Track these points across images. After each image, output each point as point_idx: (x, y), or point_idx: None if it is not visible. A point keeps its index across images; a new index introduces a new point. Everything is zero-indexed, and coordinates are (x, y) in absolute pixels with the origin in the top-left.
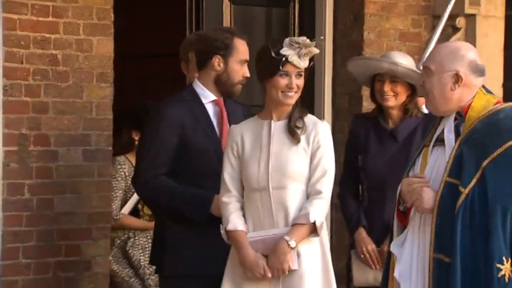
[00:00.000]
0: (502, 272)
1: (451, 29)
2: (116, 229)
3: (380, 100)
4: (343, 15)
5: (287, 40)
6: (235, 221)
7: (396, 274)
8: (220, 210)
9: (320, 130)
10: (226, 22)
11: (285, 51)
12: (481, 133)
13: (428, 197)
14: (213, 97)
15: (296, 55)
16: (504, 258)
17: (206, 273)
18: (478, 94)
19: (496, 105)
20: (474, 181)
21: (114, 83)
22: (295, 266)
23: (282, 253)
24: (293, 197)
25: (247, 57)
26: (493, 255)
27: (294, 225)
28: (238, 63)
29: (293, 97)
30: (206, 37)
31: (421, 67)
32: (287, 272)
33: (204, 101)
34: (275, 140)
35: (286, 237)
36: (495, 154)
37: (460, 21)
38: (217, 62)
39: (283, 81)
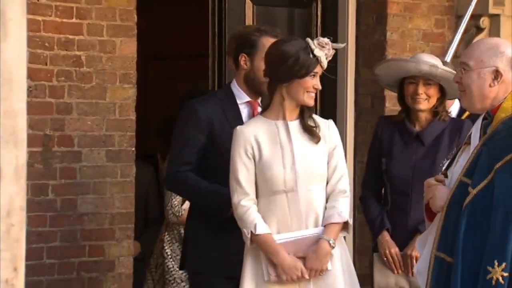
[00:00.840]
0: (490, 275)
1: (475, 29)
2: (177, 224)
3: (412, 103)
4: (366, 15)
5: (314, 41)
6: (262, 224)
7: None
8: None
9: (333, 130)
10: (249, 22)
11: (317, 52)
12: (501, 134)
13: (441, 195)
14: (247, 98)
15: (324, 56)
16: (496, 261)
17: (231, 273)
18: (510, 94)
19: None
20: (485, 182)
21: (137, 84)
22: (330, 266)
23: (325, 253)
24: (320, 197)
25: None
26: (487, 257)
27: (327, 224)
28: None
29: (313, 97)
30: (235, 36)
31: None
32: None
33: (239, 101)
34: (295, 140)
35: (326, 237)
36: (508, 157)
37: (484, 21)
38: (243, 60)
39: (312, 82)
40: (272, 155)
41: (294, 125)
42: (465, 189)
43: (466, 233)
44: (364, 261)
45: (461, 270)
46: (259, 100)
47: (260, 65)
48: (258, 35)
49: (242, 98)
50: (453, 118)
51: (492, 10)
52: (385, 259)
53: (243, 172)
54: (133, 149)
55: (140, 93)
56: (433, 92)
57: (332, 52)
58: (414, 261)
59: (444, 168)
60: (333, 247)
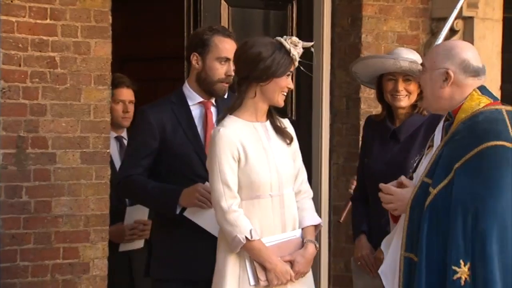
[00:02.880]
0: (458, 275)
1: (449, 31)
2: None
3: (392, 100)
4: (341, 17)
5: (287, 40)
6: (255, 230)
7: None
8: (187, 202)
9: (292, 129)
10: (224, 24)
11: (293, 51)
12: (460, 135)
13: (403, 203)
14: (199, 98)
15: (297, 55)
16: (461, 261)
17: (189, 277)
18: (472, 95)
19: (480, 107)
20: (445, 182)
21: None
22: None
23: (312, 256)
24: (294, 199)
25: (229, 55)
26: (450, 257)
27: (306, 227)
28: (216, 61)
29: (284, 98)
30: (190, 35)
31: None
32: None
33: (190, 103)
34: (272, 142)
35: (312, 240)
36: (467, 157)
37: (458, 24)
38: (195, 59)
39: (286, 81)
40: (258, 158)
41: (268, 125)
42: (426, 189)
43: (429, 233)
44: (339, 263)
45: (425, 269)
46: (212, 100)
47: (212, 64)
48: (210, 34)
49: (194, 99)
50: (432, 113)
51: (465, 12)
52: (358, 263)
53: (231, 175)
54: (108, 150)
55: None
56: (413, 88)
57: (301, 51)
58: None
59: (411, 170)
60: (317, 250)
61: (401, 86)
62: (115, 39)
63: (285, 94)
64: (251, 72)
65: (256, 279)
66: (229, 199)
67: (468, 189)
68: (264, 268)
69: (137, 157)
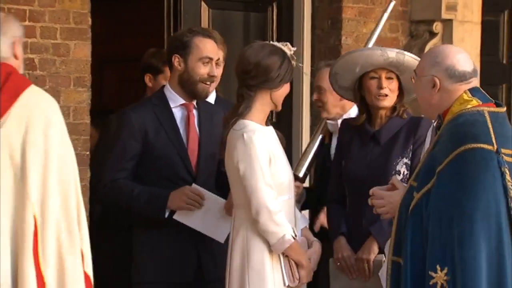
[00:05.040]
0: (434, 280)
1: (428, 34)
2: None
3: (375, 101)
4: (321, 20)
5: (285, 47)
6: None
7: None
8: (175, 205)
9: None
10: (204, 26)
11: (292, 57)
12: (443, 137)
13: (395, 205)
14: (181, 100)
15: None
16: (438, 266)
17: (172, 279)
18: (460, 97)
19: (464, 109)
20: (428, 186)
21: (92, 88)
22: None
23: (320, 254)
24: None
25: (211, 55)
26: (428, 262)
27: (303, 228)
28: (199, 61)
29: None
30: (170, 38)
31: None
32: None
33: (172, 105)
34: (279, 147)
35: (317, 239)
36: (447, 160)
37: (437, 26)
38: (177, 61)
39: (288, 88)
40: (280, 161)
41: (274, 131)
42: (412, 193)
43: (413, 238)
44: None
45: (410, 273)
46: (194, 102)
47: (195, 65)
48: (190, 35)
49: (176, 101)
50: (412, 116)
51: (444, 15)
52: (338, 264)
53: (270, 176)
54: (88, 153)
55: (95, 97)
56: (394, 87)
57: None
58: (366, 265)
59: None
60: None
61: (385, 83)
62: (94, 41)
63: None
64: (266, 79)
65: (292, 278)
66: (274, 200)
67: (445, 193)
68: (297, 266)
69: (121, 160)
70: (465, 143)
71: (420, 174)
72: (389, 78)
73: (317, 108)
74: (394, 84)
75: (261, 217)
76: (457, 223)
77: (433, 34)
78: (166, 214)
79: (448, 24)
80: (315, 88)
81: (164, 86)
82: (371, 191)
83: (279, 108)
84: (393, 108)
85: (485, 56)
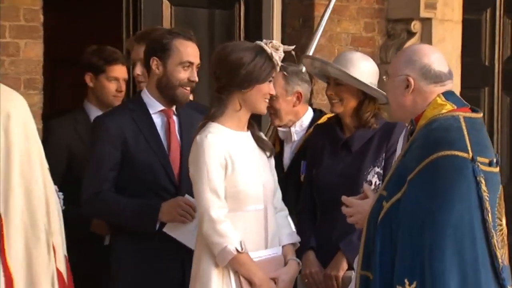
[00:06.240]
0: None
1: (406, 33)
2: None
3: (330, 106)
4: (292, 18)
5: (268, 44)
6: (244, 242)
7: None
8: (168, 217)
9: (268, 141)
10: (166, 24)
11: (274, 55)
12: (416, 144)
13: (364, 215)
14: (160, 106)
15: (278, 60)
16: (406, 280)
17: None
18: (434, 101)
19: (438, 114)
20: (398, 195)
21: (44, 90)
22: None
23: (295, 274)
24: (274, 215)
25: (192, 59)
26: (396, 275)
27: (287, 245)
28: (179, 66)
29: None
30: (148, 40)
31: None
32: None
33: (151, 111)
34: (255, 153)
35: (295, 259)
36: (419, 167)
37: (415, 25)
38: (155, 64)
39: (269, 88)
40: (244, 168)
41: (250, 136)
42: (381, 202)
43: (382, 249)
44: None
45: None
46: (173, 108)
47: (174, 69)
48: (170, 37)
49: (155, 107)
50: (385, 122)
51: (423, 13)
52: (306, 280)
53: (219, 183)
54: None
55: (47, 100)
56: (346, 93)
57: (282, 55)
58: (334, 282)
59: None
60: (300, 268)
61: (330, 90)
62: (46, 39)
63: (267, 101)
64: (232, 79)
65: None
66: (218, 208)
67: (416, 202)
68: (250, 284)
69: (102, 170)
70: (438, 150)
71: (390, 183)
72: (339, 84)
73: (269, 115)
74: (345, 91)
75: (204, 225)
76: (428, 234)
77: (411, 34)
78: (157, 227)
79: (427, 23)
80: None
81: (140, 90)
82: (342, 198)
83: (259, 111)
84: (360, 118)
85: (466, 57)
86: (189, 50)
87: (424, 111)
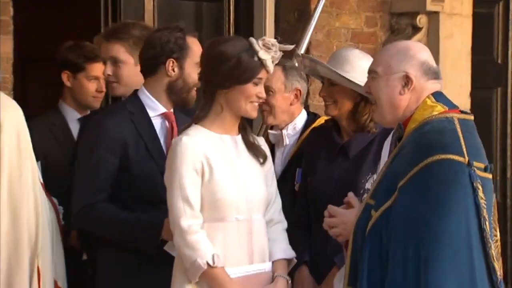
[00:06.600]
0: None
1: (411, 29)
2: None
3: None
4: (286, 11)
5: (259, 41)
6: (218, 255)
7: None
8: (171, 234)
9: (266, 148)
10: (148, 18)
11: (262, 54)
12: (407, 148)
13: (349, 227)
14: (162, 109)
15: (271, 59)
16: None
17: None
18: (424, 103)
19: (429, 116)
20: (388, 203)
21: (14, 90)
22: None
23: None
24: (264, 227)
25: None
26: None
27: (277, 260)
28: (195, 66)
29: (257, 108)
30: (153, 39)
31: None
32: None
33: (151, 114)
34: (243, 159)
35: (285, 275)
36: (411, 173)
37: (421, 20)
38: (171, 66)
39: (255, 90)
40: (224, 175)
41: (240, 140)
42: (369, 212)
43: (370, 261)
44: None
45: None
46: (172, 111)
47: (191, 70)
48: (182, 35)
49: (156, 110)
50: (384, 128)
51: (430, 7)
52: None
53: (192, 190)
54: None
55: (17, 101)
56: (340, 95)
57: (279, 54)
58: None
59: (362, 191)
60: (289, 286)
61: (323, 91)
62: (17, 35)
63: (257, 104)
64: (212, 76)
65: None
66: (189, 218)
67: (411, 211)
68: None
69: (99, 179)
70: (432, 154)
71: (377, 191)
72: (333, 85)
73: (262, 113)
74: (337, 92)
75: (174, 236)
76: (425, 245)
77: (416, 29)
78: (158, 246)
79: (434, 17)
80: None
81: (136, 90)
82: (328, 207)
83: (245, 115)
84: (357, 122)
85: (477, 54)
86: (199, 48)
87: (413, 114)
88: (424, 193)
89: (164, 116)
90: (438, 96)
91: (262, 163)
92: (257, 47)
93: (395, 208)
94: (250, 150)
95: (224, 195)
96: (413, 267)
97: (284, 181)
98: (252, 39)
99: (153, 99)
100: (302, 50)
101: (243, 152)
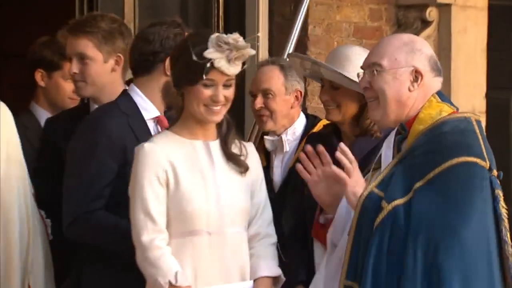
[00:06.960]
0: None
1: (419, 22)
2: None
3: (325, 112)
4: (281, 4)
5: (213, 37)
6: (183, 273)
7: None
8: None
9: (255, 156)
10: (128, 11)
11: (210, 53)
12: (421, 149)
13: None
14: (156, 112)
15: (225, 59)
16: None
17: None
18: (429, 102)
19: (443, 116)
20: (403, 199)
21: None
22: None
23: None
24: (244, 242)
25: None
26: None
27: (259, 278)
28: None
29: (220, 112)
30: (149, 34)
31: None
32: None
33: (146, 116)
34: (218, 167)
35: None
36: (430, 175)
37: (431, 13)
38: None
39: (207, 92)
40: (192, 184)
41: (216, 147)
42: (377, 202)
43: (378, 258)
44: None
45: None
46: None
47: None
48: (181, 31)
49: (151, 113)
50: (391, 130)
51: None
52: None
53: (154, 202)
54: None
55: None
56: (344, 98)
57: (244, 52)
58: None
59: None
60: None
61: (324, 95)
62: None
63: (215, 108)
64: (172, 77)
65: None
66: (151, 233)
67: (431, 214)
68: None
69: (97, 185)
70: (456, 155)
71: (385, 184)
72: (335, 88)
73: (260, 118)
74: (341, 95)
75: (136, 252)
76: (442, 252)
77: (426, 23)
78: None
79: (445, 9)
80: (256, 92)
81: (125, 90)
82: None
83: (204, 119)
84: (360, 126)
85: (493, 51)
86: None
87: (418, 113)
88: (446, 197)
89: (157, 120)
90: (442, 96)
91: (243, 173)
92: (209, 44)
93: (413, 212)
94: (229, 158)
95: (192, 206)
96: (428, 275)
97: (286, 192)
98: (212, 35)
99: (147, 99)
100: (291, 49)
101: (218, 160)
